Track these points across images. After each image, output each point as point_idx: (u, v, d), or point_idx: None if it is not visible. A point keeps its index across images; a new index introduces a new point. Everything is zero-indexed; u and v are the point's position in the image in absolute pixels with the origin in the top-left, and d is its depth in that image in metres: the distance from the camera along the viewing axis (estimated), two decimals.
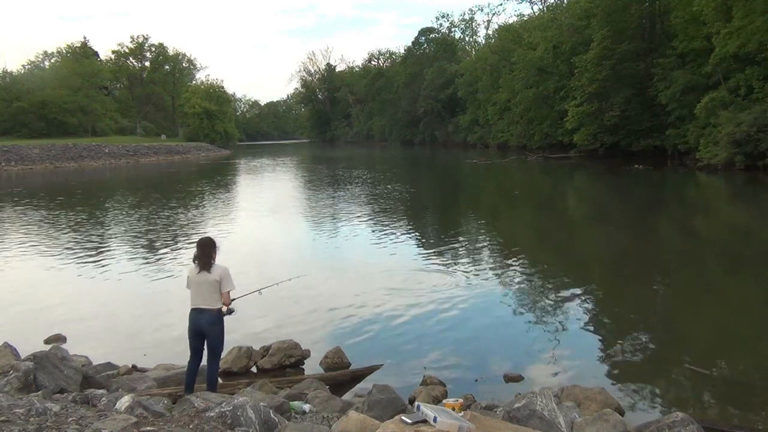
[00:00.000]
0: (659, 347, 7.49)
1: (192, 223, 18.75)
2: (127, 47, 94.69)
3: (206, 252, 5.58)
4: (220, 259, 5.69)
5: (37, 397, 4.89)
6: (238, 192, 31.41)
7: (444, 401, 5.45)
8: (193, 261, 5.64)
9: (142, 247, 14.94)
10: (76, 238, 16.15)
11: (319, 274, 11.13)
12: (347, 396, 6.23)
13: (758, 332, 7.84)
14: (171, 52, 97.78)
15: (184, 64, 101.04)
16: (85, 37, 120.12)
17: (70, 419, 4.06)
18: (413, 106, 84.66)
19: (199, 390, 5.70)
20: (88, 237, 16.49)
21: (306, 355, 7.31)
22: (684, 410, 4.73)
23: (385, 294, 9.81)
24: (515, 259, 12.62)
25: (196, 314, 5.54)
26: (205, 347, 5.64)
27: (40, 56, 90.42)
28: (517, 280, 10.92)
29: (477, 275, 11.08)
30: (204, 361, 5.72)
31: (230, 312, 5.68)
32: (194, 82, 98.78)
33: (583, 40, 42.18)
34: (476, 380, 6.51)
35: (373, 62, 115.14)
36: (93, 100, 73.70)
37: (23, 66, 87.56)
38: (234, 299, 5.83)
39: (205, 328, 5.52)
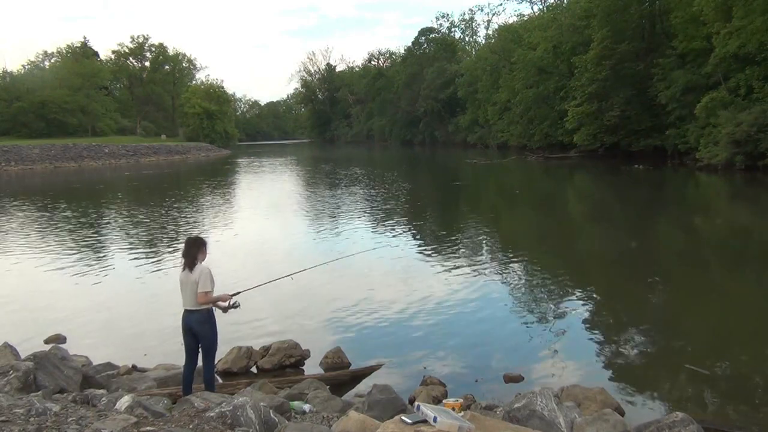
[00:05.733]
0: (659, 347, 7.49)
1: (193, 222, 18.75)
2: (127, 47, 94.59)
3: (191, 252, 5.45)
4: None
5: (37, 397, 4.89)
6: (240, 191, 31.41)
7: (444, 401, 5.45)
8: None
9: (143, 246, 14.95)
10: (76, 238, 16.16)
11: (320, 273, 11.10)
12: (347, 396, 6.23)
13: (758, 332, 7.85)
14: (171, 52, 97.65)
15: (184, 64, 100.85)
16: (85, 37, 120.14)
17: (70, 419, 4.06)
18: (413, 106, 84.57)
19: (198, 390, 5.69)
20: (88, 237, 16.50)
21: (306, 355, 7.31)
22: (684, 410, 4.73)
23: (385, 294, 9.81)
24: (515, 258, 12.62)
25: (186, 314, 5.49)
26: (200, 348, 5.60)
27: (40, 56, 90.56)
28: (517, 279, 10.93)
29: (477, 275, 11.08)
30: (200, 362, 5.69)
31: (234, 307, 5.64)
32: (194, 82, 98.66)
33: (583, 40, 42.15)
34: (476, 380, 6.51)
35: (373, 62, 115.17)
36: (93, 100, 73.64)
37: (23, 66, 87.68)
38: (260, 285, 5.95)
39: (195, 328, 5.45)
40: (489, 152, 56.53)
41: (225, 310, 5.64)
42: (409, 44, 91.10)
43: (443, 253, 13.27)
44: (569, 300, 9.45)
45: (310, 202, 24.15)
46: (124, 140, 66.44)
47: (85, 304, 9.89)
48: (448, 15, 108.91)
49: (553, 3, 60.25)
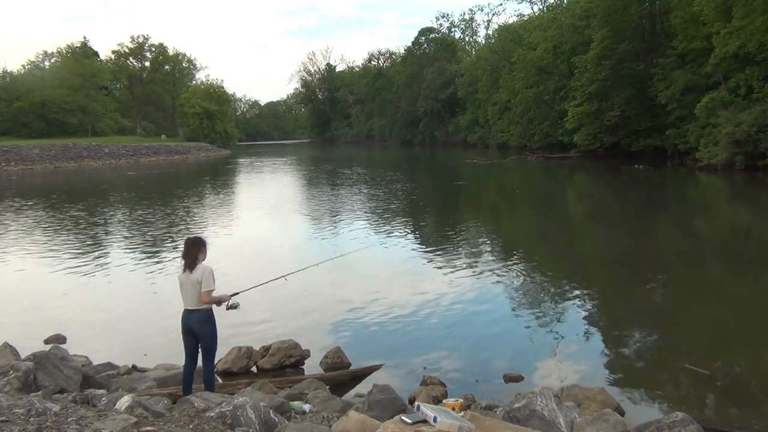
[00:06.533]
0: (659, 347, 7.49)
1: (193, 222, 18.75)
2: (127, 47, 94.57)
3: (191, 252, 5.47)
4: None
5: (37, 397, 4.89)
6: (240, 191, 31.41)
7: (444, 401, 5.45)
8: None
9: (143, 246, 14.94)
10: (76, 238, 16.16)
11: (320, 274, 11.10)
12: (347, 396, 6.23)
13: (758, 332, 7.84)
14: (171, 52, 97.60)
15: (184, 64, 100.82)
16: (85, 37, 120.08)
17: (70, 419, 4.06)
18: (413, 106, 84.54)
19: (198, 390, 5.69)
20: (89, 236, 16.50)
21: (306, 355, 7.31)
22: (684, 410, 4.74)
23: (385, 294, 9.81)
24: (515, 258, 12.62)
25: (186, 314, 5.49)
26: (200, 348, 5.60)
27: (40, 56, 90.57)
28: (517, 279, 10.92)
29: (477, 275, 11.08)
30: (200, 363, 5.69)
31: (232, 307, 5.65)
32: (194, 82, 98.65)
33: (583, 40, 42.14)
34: (476, 380, 6.51)
35: (373, 62, 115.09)
36: (93, 100, 73.61)
37: (23, 66, 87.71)
38: (256, 285, 5.94)
39: (195, 328, 5.45)
40: (489, 152, 56.53)
41: (228, 308, 5.67)
42: (409, 44, 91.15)
43: (444, 253, 13.26)
44: (569, 300, 9.45)
45: (312, 202, 24.16)
46: (124, 140, 66.40)
47: (86, 304, 9.89)
48: (448, 15, 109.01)
49: (553, 3, 60.27)
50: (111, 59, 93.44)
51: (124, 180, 40.24)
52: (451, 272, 11.30)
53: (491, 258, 12.93)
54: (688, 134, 31.36)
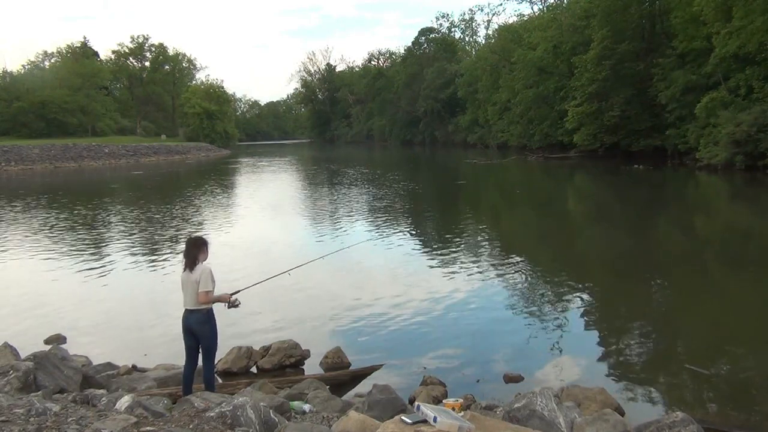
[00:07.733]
0: (659, 347, 7.49)
1: (194, 222, 18.74)
2: (127, 47, 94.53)
3: (191, 252, 5.47)
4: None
5: (37, 397, 4.89)
6: (240, 191, 31.40)
7: (444, 401, 5.45)
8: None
9: (143, 246, 14.94)
10: (76, 238, 16.15)
11: (320, 273, 11.12)
12: (347, 396, 6.23)
13: (758, 332, 7.84)
14: (171, 52, 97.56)
15: (184, 64, 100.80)
16: (85, 37, 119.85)
17: (70, 419, 4.06)
18: (413, 106, 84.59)
19: (198, 390, 5.69)
20: (89, 237, 16.50)
21: (306, 355, 7.31)
22: (684, 410, 4.73)
23: (385, 294, 9.81)
24: (516, 258, 12.62)
25: (186, 314, 5.49)
26: (200, 348, 5.60)
27: (40, 56, 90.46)
28: (517, 279, 10.92)
29: (477, 275, 11.08)
30: (201, 363, 5.69)
31: (233, 306, 5.64)
32: (194, 82, 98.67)
33: (583, 40, 42.15)
34: (477, 380, 6.51)
35: (373, 62, 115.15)
36: (93, 100, 73.59)
37: (23, 66, 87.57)
38: (259, 282, 5.99)
39: (195, 328, 5.45)
40: (489, 152, 56.54)
41: (229, 306, 5.68)
42: (409, 44, 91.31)
43: (444, 252, 13.26)
44: (569, 300, 9.45)
45: (314, 202, 24.16)
46: (124, 140, 66.41)
47: (86, 303, 9.89)
48: (448, 15, 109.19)
49: (553, 3, 60.28)
50: (111, 59, 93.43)
51: (132, 180, 40.18)
52: (451, 272, 11.30)
53: (491, 258, 12.93)
54: (688, 134, 31.36)
